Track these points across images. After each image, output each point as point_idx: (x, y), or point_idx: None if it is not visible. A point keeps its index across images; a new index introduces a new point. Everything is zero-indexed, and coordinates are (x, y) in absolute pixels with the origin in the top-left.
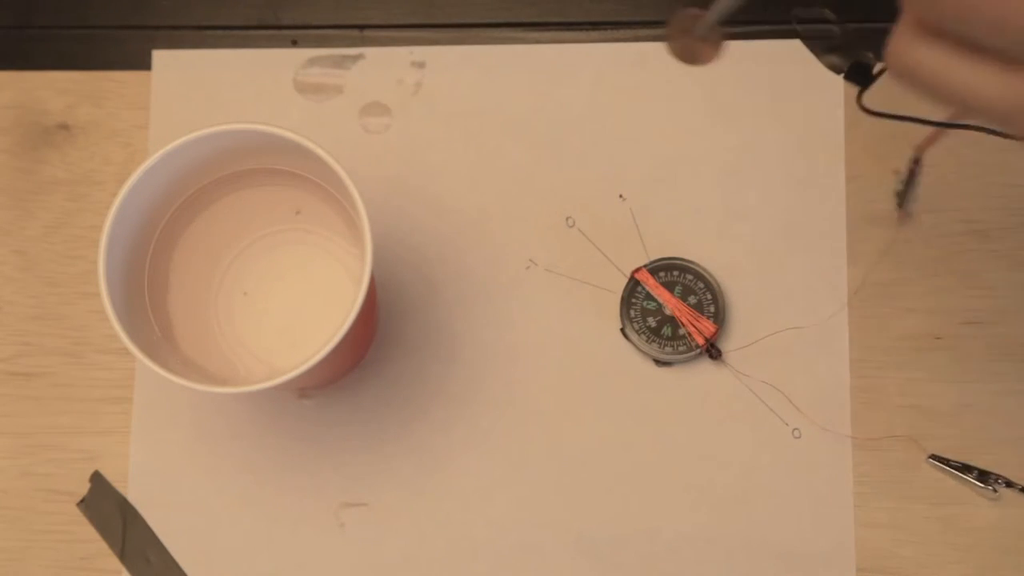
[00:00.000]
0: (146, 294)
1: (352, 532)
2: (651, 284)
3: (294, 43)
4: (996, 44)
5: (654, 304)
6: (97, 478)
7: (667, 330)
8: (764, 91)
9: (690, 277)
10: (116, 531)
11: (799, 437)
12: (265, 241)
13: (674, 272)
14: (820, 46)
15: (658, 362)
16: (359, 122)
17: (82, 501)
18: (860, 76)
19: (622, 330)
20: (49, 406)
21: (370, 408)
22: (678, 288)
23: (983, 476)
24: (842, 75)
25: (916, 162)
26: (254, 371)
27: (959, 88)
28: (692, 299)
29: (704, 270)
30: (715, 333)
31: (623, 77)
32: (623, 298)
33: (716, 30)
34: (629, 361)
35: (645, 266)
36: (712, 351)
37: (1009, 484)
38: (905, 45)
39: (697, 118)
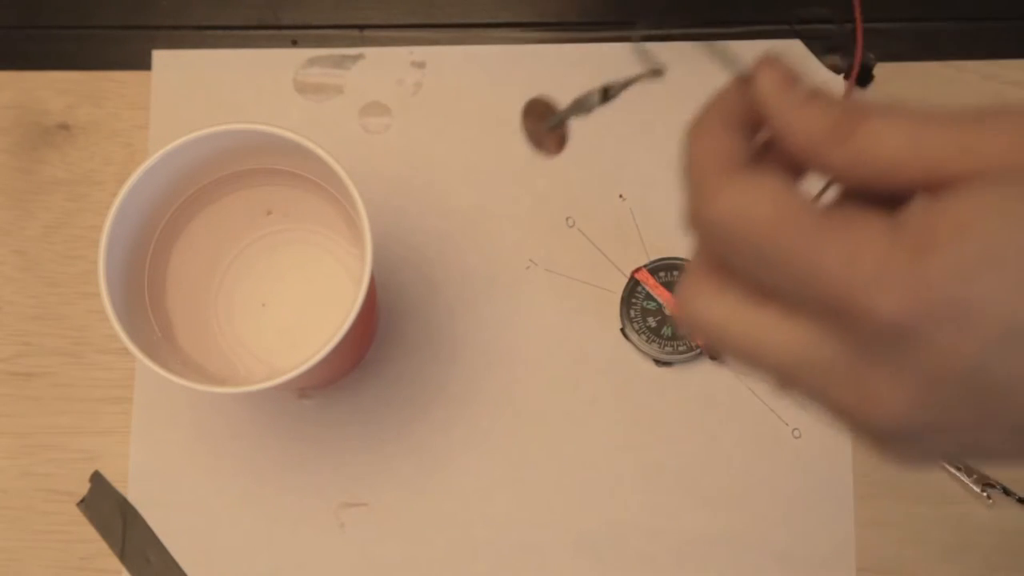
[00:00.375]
0: (146, 294)
1: (352, 532)
2: (651, 284)
3: (294, 43)
4: (781, 284)
5: (654, 304)
6: (97, 478)
7: (667, 330)
8: None
9: None
10: (116, 531)
11: (799, 437)
12: (265, 241)
13: (674, 272)
14: (820, 46)
15: (658, 362)
16: (359, 122)
17: (82, 501)
18: (860, 76)
19: (622, 330)
20: (49, 406)
21: (370, 408)
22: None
23: (981, 482)
24: (842, 75)
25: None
26: (254, 371)
27: (743, 340)
28: None
29: None
30: None
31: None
32: (623, 298)
33: (564, 127)
34: (629, 361)
35: (645, 266)
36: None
37: (1007, 492)
38: (695, 290)
39: None
